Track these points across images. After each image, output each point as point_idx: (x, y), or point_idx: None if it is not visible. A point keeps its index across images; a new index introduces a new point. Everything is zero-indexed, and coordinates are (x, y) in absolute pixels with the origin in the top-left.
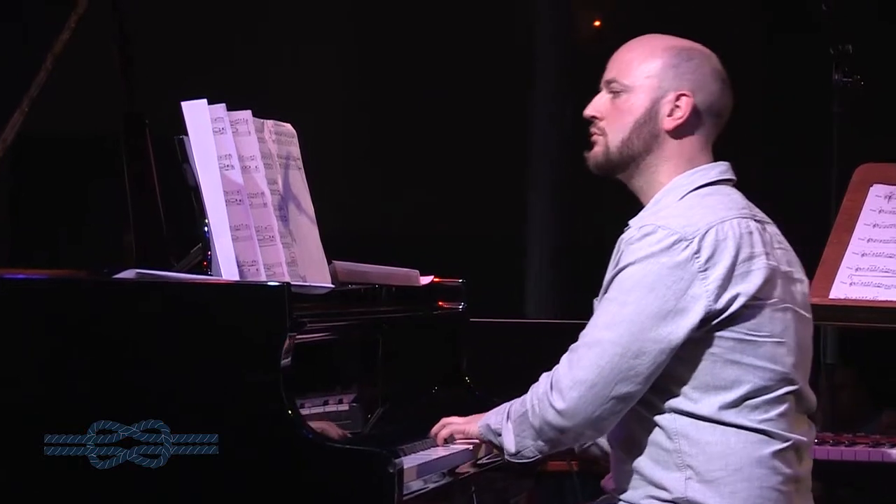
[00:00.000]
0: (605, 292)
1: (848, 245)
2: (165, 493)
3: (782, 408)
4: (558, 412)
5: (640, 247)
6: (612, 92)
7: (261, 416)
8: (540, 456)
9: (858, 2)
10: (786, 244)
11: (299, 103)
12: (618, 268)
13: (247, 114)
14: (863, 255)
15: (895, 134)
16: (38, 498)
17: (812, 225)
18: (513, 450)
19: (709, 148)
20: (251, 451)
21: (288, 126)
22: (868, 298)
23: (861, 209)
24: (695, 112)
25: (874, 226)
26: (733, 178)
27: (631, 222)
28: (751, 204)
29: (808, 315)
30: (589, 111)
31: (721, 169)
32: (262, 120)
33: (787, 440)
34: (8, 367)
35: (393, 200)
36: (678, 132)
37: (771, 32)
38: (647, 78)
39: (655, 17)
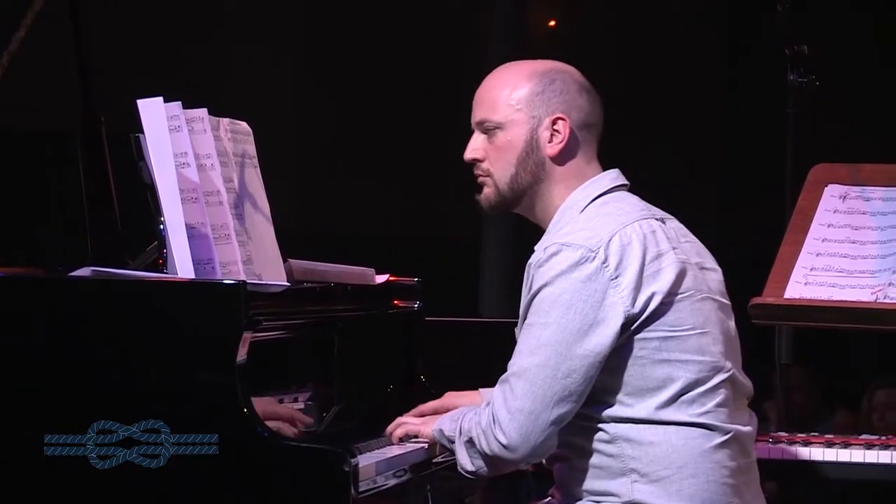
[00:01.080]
0: (524, 319)
1: (803, 245)
2: (165, 493)
3: (719, 398)
4: (504, 446)
5: (549, 268)
6: (485, 132)
7: (217, 414)
8: (494, 475)
9: (814, 3)
10: (691, 237)
11: (254, 102)
12: (532, 292)
13: (202, 112)
14: (818, 254)
15: (850, 134)
16: (38, 498)
17: (767, 224)
18: (469, 468)
19: (594, 159)
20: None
21: (244, 124)
22: (823, 298)
23: (816, 209)
24: (573, 131)
25: (829, 226)
26: (626, 182)
27: (536, 247)
28: (649, 205)
29: (727, 302)
30: (468, 155)
31: (612, 176)
32: (217, 118)
33: (727, 432)
34: None
35: (348, 199)
36: (562, 155)
37: (729, 34)
38: (518, 111)
39: (612, 16)
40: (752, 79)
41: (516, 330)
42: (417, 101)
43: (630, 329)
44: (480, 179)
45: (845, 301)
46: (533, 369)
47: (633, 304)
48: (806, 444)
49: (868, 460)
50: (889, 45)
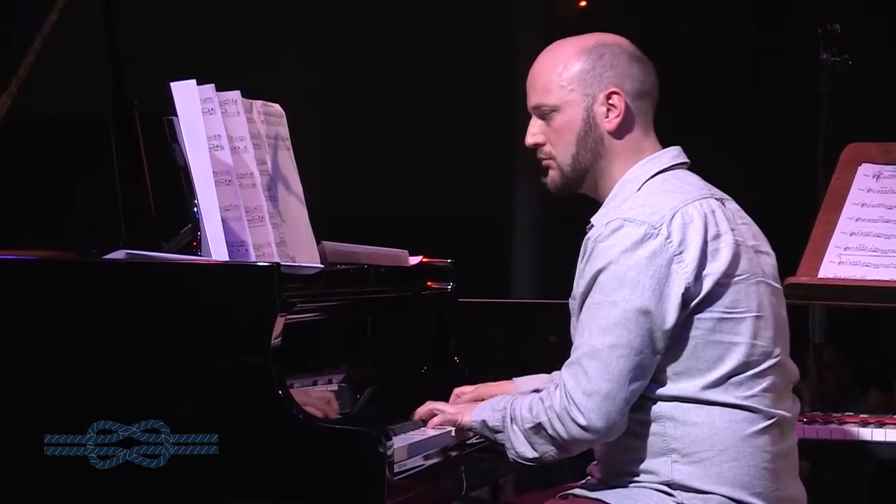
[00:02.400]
0: (586, 295)
1: (836, 224)
2: (165, 493)
3: (766, 382)
4: (584, 428)
5: (611, 243)
6: (542, 116)
7: (251, 397)
8: (563, 458)
9: None
10: (748, 219)
11: (289, 86)
12: (595, 270)
13: (236, 94)
14: (851, 234)
15: (883, 113)
16: (38, 498)
17: (801, 204)
18: (530, 455)
19: (651, 130)
20: (243, 432)
21: (276, 107)
22: (857, 278)
23: (849, 189)
24: (628, 104)
25: (862, 205)
26: (686, 161)
27: (593, 220)
28: (708, 184)
29: (779, 286)
30: (529, 140)
31: (673, 154)
32: (250, 101)
33: (771, 416)
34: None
35: (383, 183)
36: (620, 129)
37: (758, 11)
38: (571, 91)
39: None
40: (782, 58)
41: (572, 303)
42: (451, 89)
43: (689, 307)
44: (545, 163)
45: (879, 280)
46: (605, 349)
47: (695, 281)
48: (840, 423)
49: None
50: None
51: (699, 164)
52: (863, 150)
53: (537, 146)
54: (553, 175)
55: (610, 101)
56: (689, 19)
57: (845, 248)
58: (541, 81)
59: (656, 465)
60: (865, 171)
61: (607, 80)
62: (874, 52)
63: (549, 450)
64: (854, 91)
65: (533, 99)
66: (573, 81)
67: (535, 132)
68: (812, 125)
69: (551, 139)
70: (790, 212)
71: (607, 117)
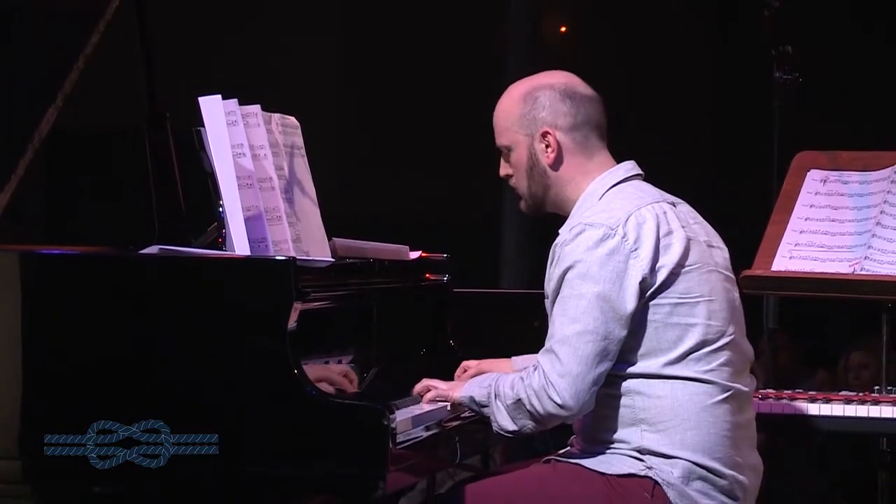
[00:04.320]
0: (556, 294)
1: (788, 223)
2: (165, 493)
3: (722, 358)
4: (559, 405)
5: (574, 245)
6: (503, 155)
7: (270, 376)
8: (540, 431)
9: (797, 7)
10: (700, 219)
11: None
12: (563, 269)
13: (256, 108)
14: (801, 231)
15: (829, 124)
16: (38, 498)
17: (756, 205)
18: (510, 428)
19: (600, 151)
20: (264, 406)
21: (292, 119)
22: (806, 270)
23: (799, 192)
24: (563, 139)
25: (811, 206)
26: (640, 172)
27: (560, 230)
28: (661, 191)
29: (732, 276)
30: (501, 173)
31: (628, 167)
32: (269, 114)
33: (728, 389)
34: (42, 337)
35: (387, 187)
36: (557, 162)
37: (719, 36)
38: (516, 133)
39: (615, 20)
40: (740, 76)
41: (546, 303)
42: (444, 97)
43: (646, 295)
44: (516, 192)
45: (826, 273)
46: (574, 336)
47: (650, 273)
48: (791, 399)
49: (847, 414)
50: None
51: (667, 170)
52: (812, 157)
53: (507, 178)
54: (522, 202)
55: (545, 140)
56: (657, 45)
57: (795, 245)
58: (497, 125)
59: (628, 434)
60: (814, 177)
61: (540, 121)
62: (822, 71)
63: (528, 423)
64: (804, 105)
65: (496, 139)
66: (515, 124)
67: (503, 166)
68: (767, 135)
69: (513, 173)
70: (747, 212)
71: (546, 153)
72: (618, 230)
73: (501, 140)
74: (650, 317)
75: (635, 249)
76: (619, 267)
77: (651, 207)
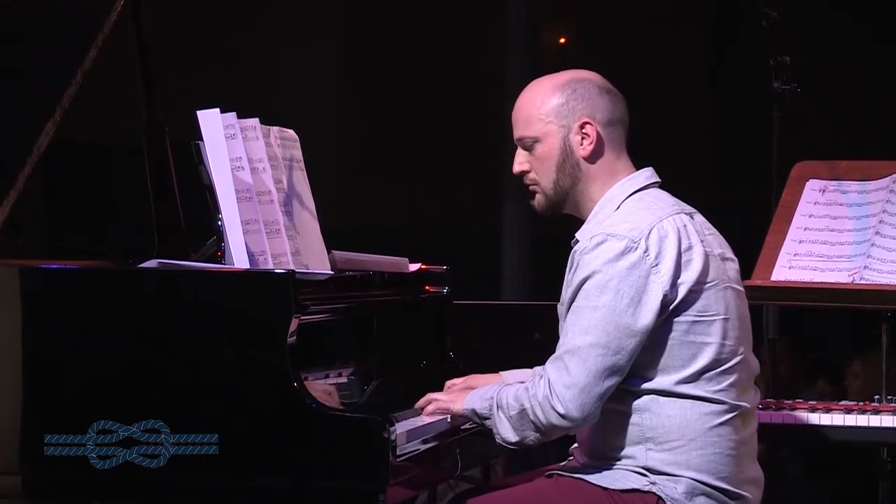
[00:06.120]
0: (572, 301)
1: (787, 233)
2: (165, 493)
3: (733, 378)
4: (562, 416)
5: (595, 255)
6: (526, 147)
7: (270, 389)
8: (543, 442)
9: (796, 18)
10: (713, 229)
11: (298, 112)
12: (581, 278)
13: (254, 121)
14: (800, 241)
15: (828, 134)
16: (38, 498)
17: (756, 215)
18: (513, 439)
19: (624, 153)
20: (263, 419)
21: (291, 132)
22: (805, 280)
23: (798, 201)
24: (599, 131)
25: (810, 216)
26: (658, 180)
27: (578, 235)
28: (678, 200)
29: (742, 289)
30: (516, 168)
31: (647, 174)
32: (268, 127)
33: (735, 408)
34: (42, 351)
35: (386, 199)
36: (594, 155)
37: (718, 47)
38: (549, 123)
39: (613, 32)
40: (739, 87)
41: (559, 307)
42: (444, 109)
43: (666, 311)
44: (531, 188)
45: (825, 283)
46: (585, 348)
47: (671, 289)
48: (792, 409)
49: (847, 423)
50: (864, 52)
51: (667, 180)
52: (810, 167)
53: (523, 173)
54: (539, 198)
55: (583, 130)
56: (657, 51)
57: (795, 255)
58: (522, 116)
59: (634, 451)
60: (813, 186)
61: (580, 111)
62: (821, 81)
63: (531, 434)
64: (802, 115)
65: (517, 132)
66: (550, 115)
67: (520, 161)
68: (766, 145)
69: (535, 167)
70: (746, 222)
71: (581, 145)
72: (640, 243)
73: (527, 131)
74: (668, 333)
75: (656, 265)
76: (639, 282)
77: (672, 220)
